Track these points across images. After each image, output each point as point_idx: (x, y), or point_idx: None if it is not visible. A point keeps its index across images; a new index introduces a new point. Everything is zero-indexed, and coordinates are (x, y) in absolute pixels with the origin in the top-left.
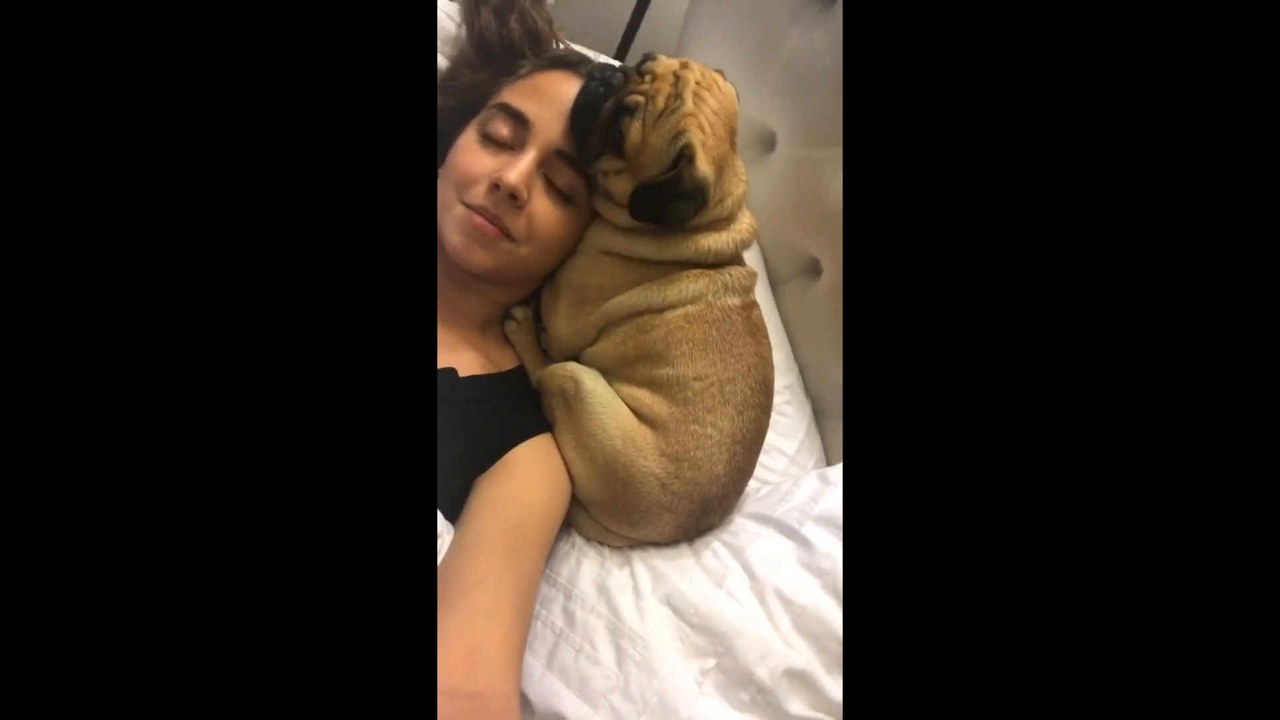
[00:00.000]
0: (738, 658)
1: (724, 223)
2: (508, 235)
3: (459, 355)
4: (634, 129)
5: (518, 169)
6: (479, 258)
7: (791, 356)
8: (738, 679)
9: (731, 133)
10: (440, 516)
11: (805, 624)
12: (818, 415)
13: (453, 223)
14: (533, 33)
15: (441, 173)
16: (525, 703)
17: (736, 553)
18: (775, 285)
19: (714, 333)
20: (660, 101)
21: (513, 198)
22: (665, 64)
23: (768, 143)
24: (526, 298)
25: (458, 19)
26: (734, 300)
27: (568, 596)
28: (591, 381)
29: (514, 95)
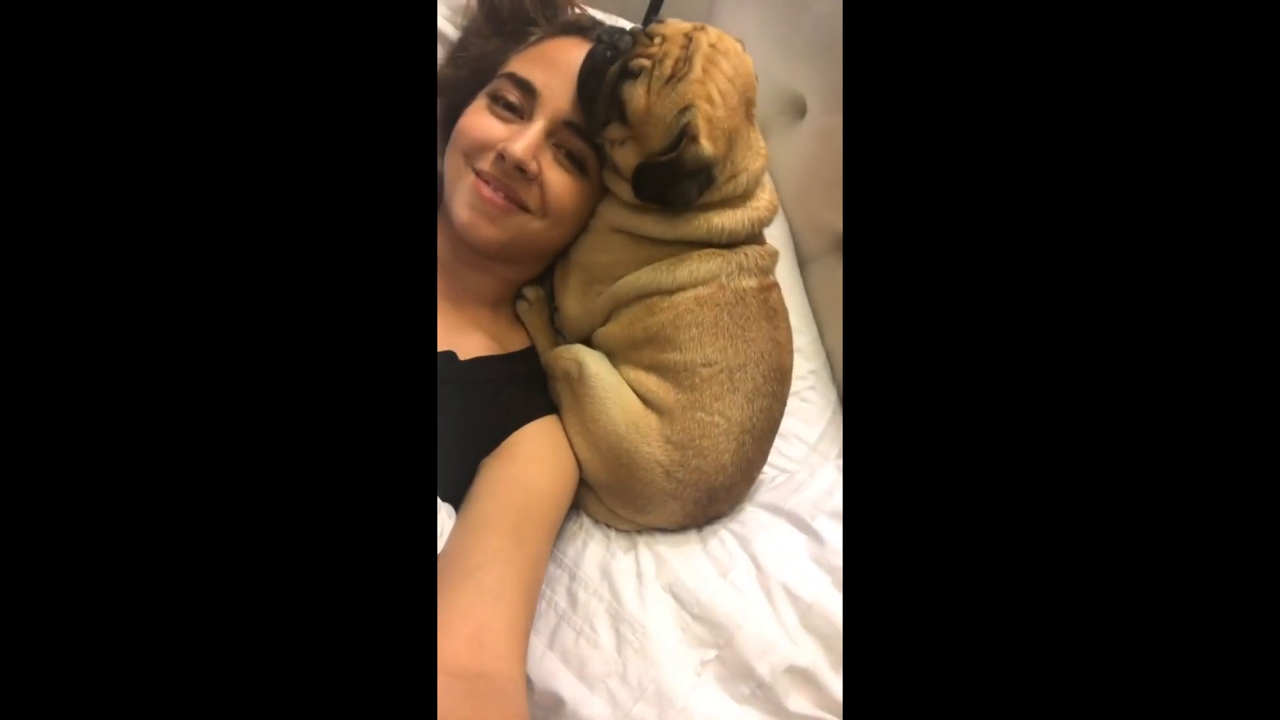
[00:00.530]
0: (738, 651)
1: (739, 200)
2: (523, 207)
3: (465, 337)
4: (638, 94)
5: (524, 141)
6: (488, 233)
7: (818, 339)
8: (738, 672)
9: (747, 104)
10: (440, 501)
11: (812, 621)
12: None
13: (462, 195)
14: None
15: (450, 142)
16: (526, 681)
17: (744, 543)
18: (803, 264)
19: (725, 316)
20: (668, 66)
21: (521, 171)
22: (675, 26)
23: (797, 109)
24: (540, 276)
25: None
26: (749, 282)
27: (572, 578)
28: (596, 365)
29: (522, 64)
